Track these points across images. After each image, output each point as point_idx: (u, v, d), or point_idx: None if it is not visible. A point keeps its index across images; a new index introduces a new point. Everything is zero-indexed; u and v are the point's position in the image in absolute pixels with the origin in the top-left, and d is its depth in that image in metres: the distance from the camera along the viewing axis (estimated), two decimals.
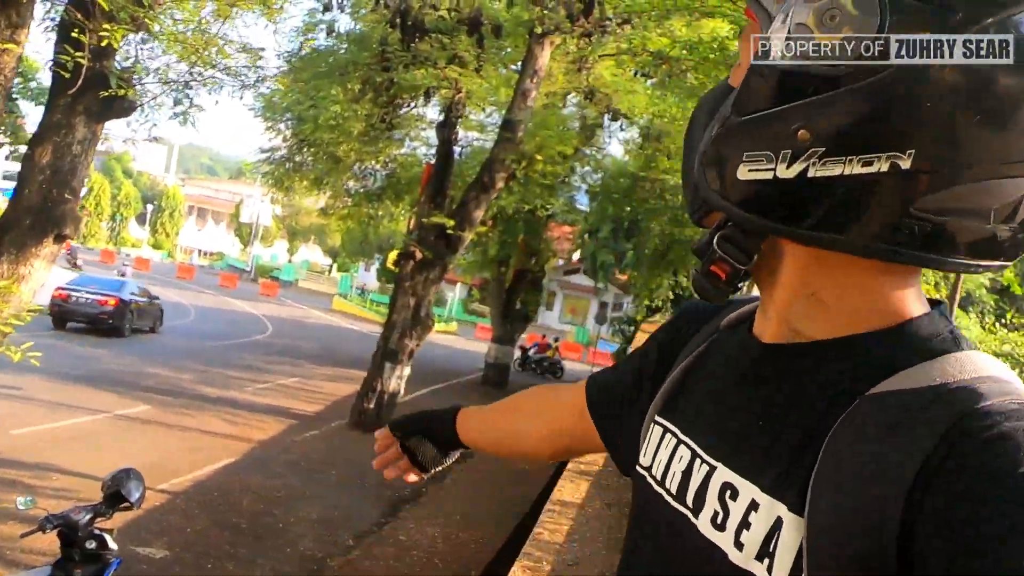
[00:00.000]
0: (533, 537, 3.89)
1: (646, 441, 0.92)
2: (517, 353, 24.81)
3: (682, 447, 0.84)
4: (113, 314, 18.49)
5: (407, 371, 13.31)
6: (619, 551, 0.93)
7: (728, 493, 0.75)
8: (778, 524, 0.70)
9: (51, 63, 4.32)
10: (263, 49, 6.27)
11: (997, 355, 7.44)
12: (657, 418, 0.91)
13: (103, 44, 4.04)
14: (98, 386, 12.95)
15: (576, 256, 36.77)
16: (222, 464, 9.93)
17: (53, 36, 4.76)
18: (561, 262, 39.07)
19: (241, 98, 6.47)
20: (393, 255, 13.97)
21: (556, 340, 28.78)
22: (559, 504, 4.51)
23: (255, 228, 60.08)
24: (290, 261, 62.91)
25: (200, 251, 66.76)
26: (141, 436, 10.62)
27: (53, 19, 5.07)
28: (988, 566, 0.56)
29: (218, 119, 20.36)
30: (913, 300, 0.76)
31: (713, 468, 0.79)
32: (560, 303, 47.86)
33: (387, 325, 13.42)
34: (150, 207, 64.25)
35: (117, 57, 4.71)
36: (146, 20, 4.44)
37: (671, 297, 28.46)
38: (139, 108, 4.99)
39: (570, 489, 4.82)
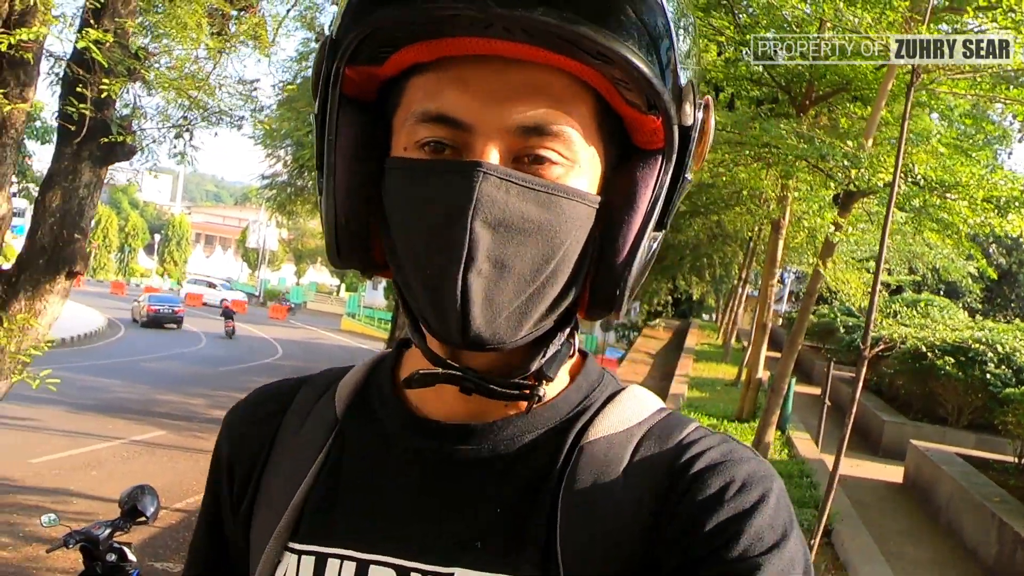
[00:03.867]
0: None
1: None
2: None
3: (376, 569, 0.73)
4: (181, 317, 31.00)
5: None
6: None
7: None
8: None
9: (57, 115, 4.74)
10: (257, 81, 6.62)
11: (981, 343, 7.74)
12: (294, 546, 0.76)
13: (103, 96, 4.45)
14: (111, 414, 13.31)
15: None
16: None
17: (56, 89, 5.18)
18: None
19: (239, 128, 6.77)
20: None
21: None
22: None
23: (262, 252, 60.51)
24: (298, 283, 63.21)
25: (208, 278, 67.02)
26: (156, 460, 10.99)
27: (56, 73, 5.46)
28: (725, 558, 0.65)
29: (220, 147, 20.85)
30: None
31: None
32: None
33: (390, 342, 13.79)
34: (157, 236, 64.69)
35: (117, 105, 5.09)
36: (141, 71, 4.84)
37: (670, 300, 28.80)
38: (140, 151, 5.37)
39: None
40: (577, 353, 0.81)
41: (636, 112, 0.70)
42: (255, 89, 6.96)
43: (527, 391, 0.73)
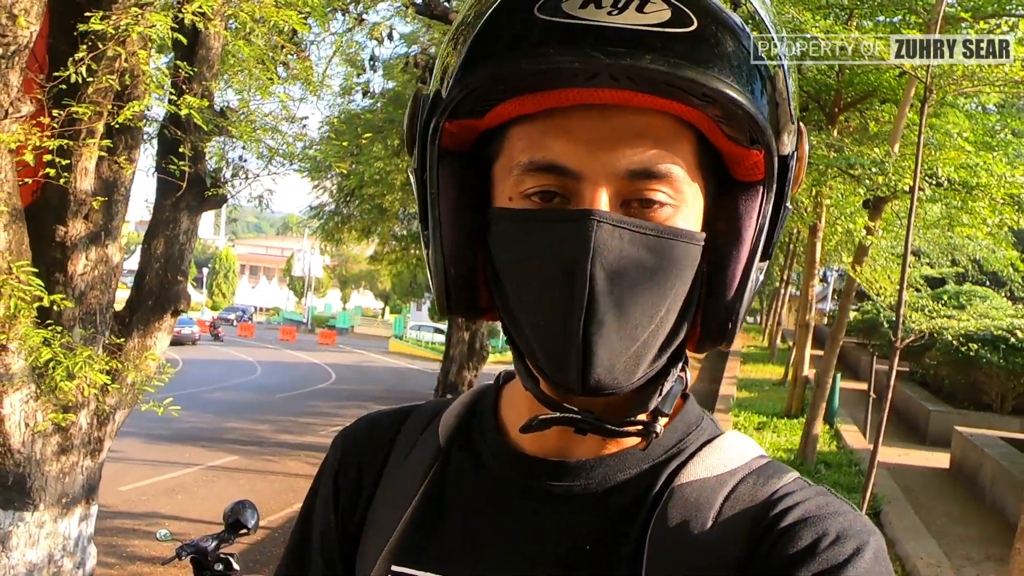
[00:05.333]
0: None
1: None
2: None
3: None
4: (198, 338, 34.68)
5: None
6: None
7: None
8: None
9: (155, 171, 5.32)
10: (306, 118, 7.17)
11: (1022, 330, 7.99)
12: (396, 569, 0.78)
13: (205, 153, 5.05)
14: (186, 442, 13.88)
15: None
16: None
17: (146, 146, 5.77)
18: None
19: (291, 164, 7.30)
20: None
21: None
22: None
23: (307, 280, 61.47)
24: (344, 309, 63.90)
25: (257, 308, 67.96)
26: (234, 483, 11.53)
27: (148, 133, 6.05)
28: None
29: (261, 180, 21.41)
30: None
31: None
32: None
33: (445, 359, 14.25)
34: (205, 270, 65.97)
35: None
36: (228, 127, 5.43)
37: None
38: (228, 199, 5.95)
39: None
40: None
41: (737, 147, 0.70)
42: (304, 127, 7.45)
43: (642, 428, 0.72)
